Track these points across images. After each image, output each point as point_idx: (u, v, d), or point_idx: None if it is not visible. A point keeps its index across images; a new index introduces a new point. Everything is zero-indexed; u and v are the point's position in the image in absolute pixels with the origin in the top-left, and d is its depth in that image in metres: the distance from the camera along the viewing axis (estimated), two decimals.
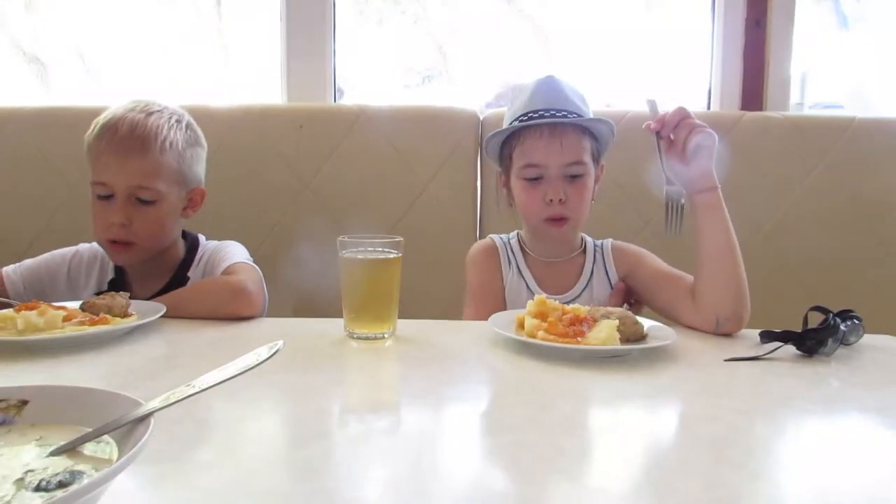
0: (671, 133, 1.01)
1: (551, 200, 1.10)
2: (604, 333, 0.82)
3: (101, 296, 0.91)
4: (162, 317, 0.91)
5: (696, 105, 1.90)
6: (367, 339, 0.89)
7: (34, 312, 0.83)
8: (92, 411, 0.44)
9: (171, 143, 1.09)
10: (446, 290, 1.52)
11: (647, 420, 0.66)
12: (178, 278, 1.14)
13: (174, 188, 1.11)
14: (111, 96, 1.88)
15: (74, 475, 0.37)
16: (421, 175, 1.64)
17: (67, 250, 1.16)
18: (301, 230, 1.62)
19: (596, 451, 0.57)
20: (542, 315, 0.90)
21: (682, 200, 1.04)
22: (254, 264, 1.10)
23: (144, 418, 0.41)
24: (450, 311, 1.29)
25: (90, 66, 2.01)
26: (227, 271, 1.06)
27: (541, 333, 0.85)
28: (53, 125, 1.62)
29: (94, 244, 1.18)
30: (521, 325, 0.91)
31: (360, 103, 1.68)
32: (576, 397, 0.70)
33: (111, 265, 1.15)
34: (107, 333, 0.84)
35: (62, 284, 1.12)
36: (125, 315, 0.90)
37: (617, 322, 0.84)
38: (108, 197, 1.07)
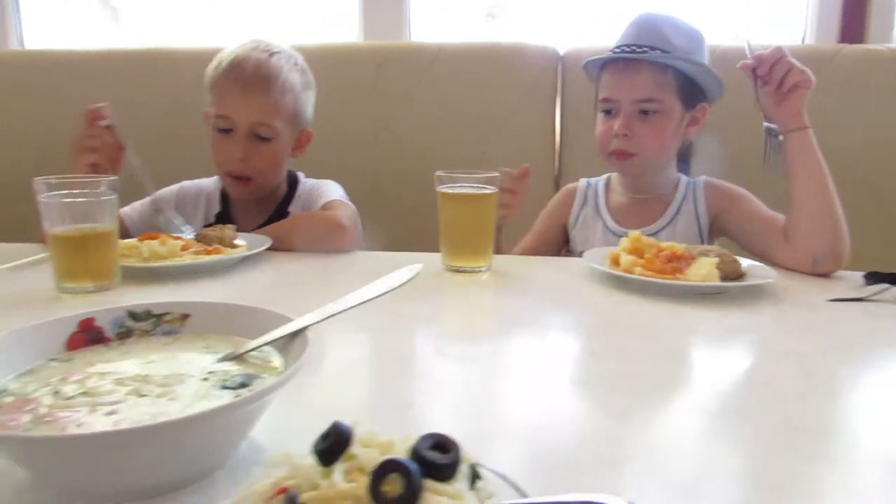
0: (767, 71, 0.98)
1: (617, 135, 1.11)
2: (704, 270, 0.82)
3: (210, 227, 0.96)
4: (266, 249, 0.96)
5: (790, 39, 1.80)
6: (465, 272, 0.91)
7: (156, 242, 0.88)
8: (246, 325, 0.48)
9: (290, 85, 1.13)
10: (525, 229, 1.54)
11: (752, 353, 0.67)
12: (279, 213, 1.19)
13: (288, 128, 1.16)
14: (186, 38, 1.93)
15: (251, 377, 0.41)
16: (499, 113, 1.62)
17: (172, 188, 1.22)
18: (379, 171, 1.64)
19: (701, 380, 0.58)
20: (636, 251, 0.91)
21: (781, 138, 1.01)
22: (349, 202, 1.14)
23: (300, 332, 0.44)
24: None
25: (162, 8, 2.05)
26: (325, 207, 1.10)
27: (638, 269, 0.85)
28: (131, 68, 1.69)
29: (196, 181, 1.24)
30: (615, 262, 0.92)
31: (437, 41, 1.67)
32: (678, 330, 0.71)
33: (217, 199, 1.21)
34: (221, 262, 0.89)
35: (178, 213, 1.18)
36: (234, 246, 0.95)
37: (717, 259, 0.84)
38: (228, 131, 1.12)
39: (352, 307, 0.47)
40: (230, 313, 0.49)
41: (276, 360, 0.44)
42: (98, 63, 1.73)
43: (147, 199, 1.16)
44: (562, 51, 1.63)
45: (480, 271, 0.92)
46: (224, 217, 1.19)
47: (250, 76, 1.10)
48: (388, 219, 1.53)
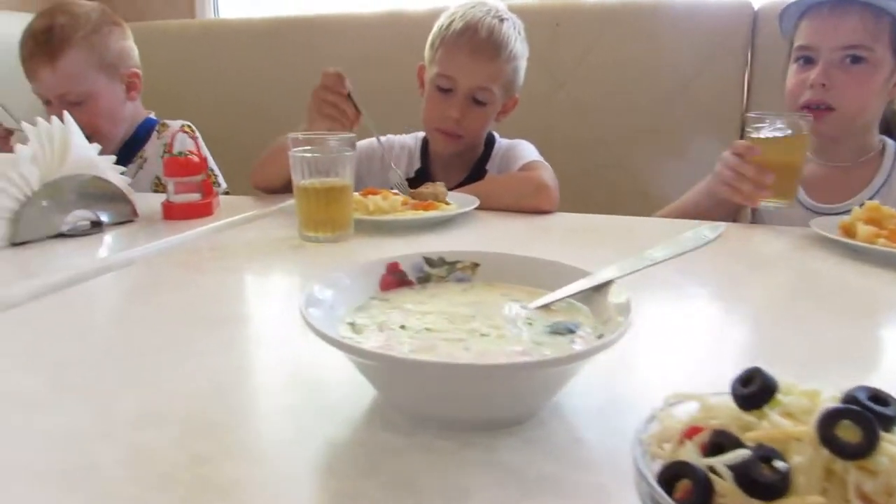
0: None
1: (813, 85, 1.00)
2: None
3: (424, 185, 1.00)
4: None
5: None
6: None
7: (379, 197, 0.94)
8: (535, 275, 0.50)
9: (515, 54, 1.16)
10: None
11: None
12: (477, 171, 1.22)
13: (503, 93, 1.19)
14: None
15: (574, 325, 0.42)
16: (684, 72, 1.55)
17: (372, 140, 1.28)
18: (553, 131, 1.63)
19: None
20: (874, 222, 0.84)
21: None
22: (546, 163, 1.14)
23: (605, 285, 0.45)
24: None
25: None
26: (525, 168, 1.11)
27: (882, 241, 0.79)
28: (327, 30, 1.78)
29: (399, 136, 1.29)
30: (845, 232, 0.86)
31: None
32: None
33: (418, 156, 1.26)
34: (437, 217, 0.93)
35: (376, 169, 1.24)
36: (446, 203, 0.98)
37: None
38: (447, 90, 1.15)
39: (653, 264, 0.47)
40: (519, 264, 0.51)
41: (583, 311, 0.45)
42: (287, 29, 1.84)
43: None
44: (756, 4, 1.52)
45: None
46: (424, 173, 1.24)
47: (482, 42, 1.12)
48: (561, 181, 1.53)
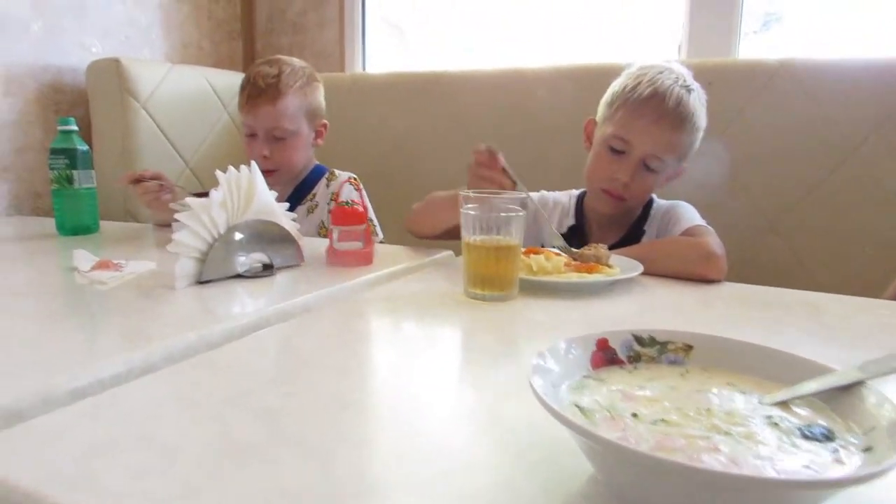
0: None
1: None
2: None
3: (587, 247, 0.98)
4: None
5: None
6: None
7: (542, 257, 0.93)
8: (762, 364, 0.46)
9: (697, 126, 1.16)
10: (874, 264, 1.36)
11: None
12: (634, 232, 1.19)
13: (674, 163, 1.18)
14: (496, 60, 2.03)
15: (831, 431, 0.38)
16: (850, 136, 1.46)
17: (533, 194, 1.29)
18: (703, 193, 1.57)
19: None
20: None
21: None
22: (709, 227, 1.10)
23: (855, 386, 0.41)
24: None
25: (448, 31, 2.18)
26: (689, 232, 1.07)
27: None
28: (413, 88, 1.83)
29: (554, 193, 1.29)
30: None
31: (774, 57, 1.55)
32: None
33: (572, 213, 1.25)
34: (602, 282, 0.90)
35: (529, 220, 1.24)
36: (608, 265, 0.96)
37: None
38: (620, 152, 1.15)
39: None
40: (740, 350, 0.48)
41: (825, 411, 0.41)
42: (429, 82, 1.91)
43: None
44: None
45: None
46: (578, 231, 1.22)
47: (668, 111, 1.12)
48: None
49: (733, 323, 0.81)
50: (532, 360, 0.41)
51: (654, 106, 1.12)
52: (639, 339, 0.50)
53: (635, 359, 0.49)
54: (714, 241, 1.00)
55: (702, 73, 1.58)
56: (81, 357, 0.62)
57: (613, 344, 0.49)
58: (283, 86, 1.41)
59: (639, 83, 1.15)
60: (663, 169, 1.16)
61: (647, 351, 0.49)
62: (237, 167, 0.94)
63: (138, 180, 1.32)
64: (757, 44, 1.83)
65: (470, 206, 0.84)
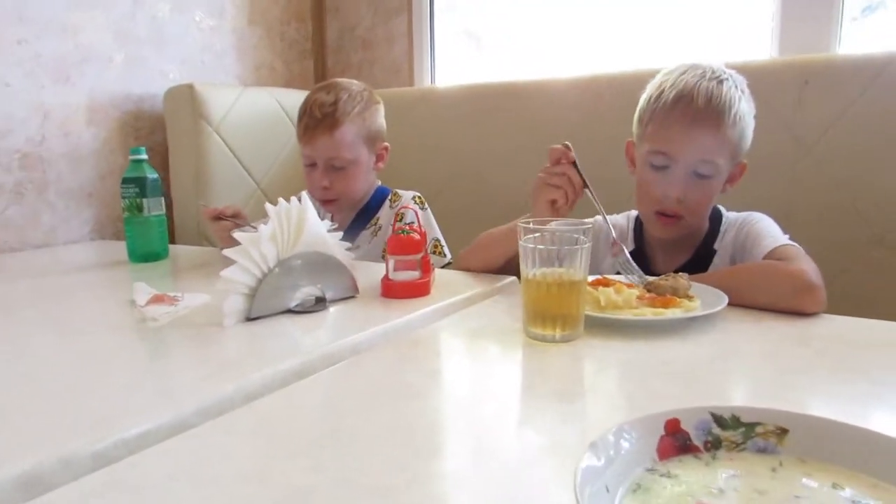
0: None
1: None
2: None
3: (663, 277, 0.88)
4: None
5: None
6: None
7: (611, 290, 0.84)
8: (876, 457, 0.36)
9: (740, 116, 1.02)
10: None
11: None
12: (704, 252, 1.08)
13: (729, 163, 1.05)
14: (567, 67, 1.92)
15: None
16: None
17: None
18: (794, 204, 1.42)
19: None
20: None
21: None
22: (798, 246, 0.96)
23: None
24: None
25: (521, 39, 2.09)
26: (776, 254, 0.94)
27: None
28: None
29: (610, 215, 1.19)
30: None
31: (880, 51, 1.37)
32: None
33: (631, 236, 1.15)
34: (680, 319, 0.80)
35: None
36: (689, 297, 0.85)
37: None
38: (663, 168, 1.04)
39: None
40: (849, 437, 0.38)
41: None
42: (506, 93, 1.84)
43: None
44: None
45: None
46: (639, 255, 1.11)
47: (700, 111, 1.00)
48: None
49: (836, 371, 0.69)
50: (579, 466, 0.34)
51: (683, 109, 1.00)
52: (718, 420, 0.41)
53: (714, 445, 0.40)
54: (810, 268, 0.87)
55: (796, 72, 1.45)
56: (114, 412, 0.59)
57: (686, 426, 0.41)
58: (341, 114, 1.35)
59: (662, 90, 1.03)
60: (718, 173, 1.03)
61: (730, 435, 0.41)
62: (288, 199, 0.91)
63: (218, 217, 1.31)
64: (856, 33, 1.64)
65: (529, 237, 0.77)
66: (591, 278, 0.86)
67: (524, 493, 0.43)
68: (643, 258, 1.11)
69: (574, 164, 0.97)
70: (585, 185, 0.98)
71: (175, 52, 1.94)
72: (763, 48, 1.67)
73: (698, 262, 1.07)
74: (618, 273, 0.99)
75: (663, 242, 1.12)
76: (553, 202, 0.97)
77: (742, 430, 0.40)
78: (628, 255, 0.98)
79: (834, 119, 1.40)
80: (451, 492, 0.45)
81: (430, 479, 0.46)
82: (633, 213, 1.19)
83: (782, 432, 0.40)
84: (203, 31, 2.02)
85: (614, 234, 1.02)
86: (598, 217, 1.13)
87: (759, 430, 0.40)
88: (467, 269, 1.13)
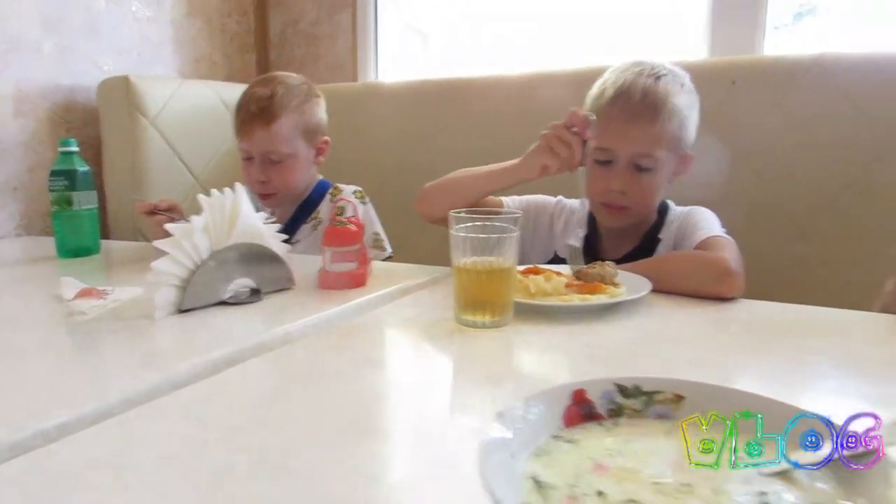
0: None
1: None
2: None
3: (591, 265, 0.91)
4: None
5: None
6: None
7: (541, 277, 0.86)
8: (765, 419, 0.39)
9: (677, 110, 1.06)
10: None
11: None
12: (649, 240, 1.13)
13: (670, 155, 1.09)
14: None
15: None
16: (884, 135, 1.35)
17: (550, 197, 1.23)
18: (728, 198, 1.48)
19: None
20: None
21: None
22: (729, 237, 1.01)
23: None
24: None
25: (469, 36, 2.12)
26: (705, 244, 0.99)
27: None
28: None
29: (569, 201, 1.23)
30: None
31: (806, 53, 1.45)
32: None
33: (585, 222, 1.19)
34: (604, 304, 0.84)
35: (544, 224, 1.20)
36: (615, 284, 0.89)
37: None
38: (607, 162, 1.08)
39: None
40: (740, 401, 0.41)
41: (824, 485, 0.34)
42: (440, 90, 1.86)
43: (530, 196, 1.23)
44: None
45: None
46: (591, 241, 1.16)
47: (636, 106, 1.04)
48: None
49: (751, 350, 0.73)
50: (483, 438, 0.35)
51: (621, 105, 1.05)
52: (622, 390, 0.43)
53: (616, 412, 0.43)
54: (731, 257, 0.92)
55: (726, 72, 1.51)
56: (35, 404, 0.58)
57: (592, 395, 0.43)
58: (277, 108, 1.33)
59: (604, 88, 1.09)
60: (659, 166, 1.07)
61: (631, 403, 0.43)
62: (221, 190, 0.90)
63: (152, 212, 1.28)
64: (787, 38, 1.73)
65: (460, 226, 0.79)
66: (521, 267, 0.89)
67: (455, 471, 0.45)
68: (594, 244, 1.17)
69: (584, 143, 0.98)
70: (586, 158, 1.00)
71: (110, 43, 1.88)
72: (701, 50, 1.73)
73: (644, 249, 1.12)
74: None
75: (612, 230, 1.16)
76: (545, 168, 1.00)
77: (643, 398, 0.43)
78: (580, 251, 1.03)
79: (761, 117, 1.46)
80: (380, 472, 0.46)
81: (360, 459, 0.47)
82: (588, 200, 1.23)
83: (679, 399, 0.43)
84: (140, 22, 1.96)
85: (566, 224, 1.16)
86: (561, 197, 1.17)
87: (658, 397, 0.43)
88: (430, 207, 1.14)
